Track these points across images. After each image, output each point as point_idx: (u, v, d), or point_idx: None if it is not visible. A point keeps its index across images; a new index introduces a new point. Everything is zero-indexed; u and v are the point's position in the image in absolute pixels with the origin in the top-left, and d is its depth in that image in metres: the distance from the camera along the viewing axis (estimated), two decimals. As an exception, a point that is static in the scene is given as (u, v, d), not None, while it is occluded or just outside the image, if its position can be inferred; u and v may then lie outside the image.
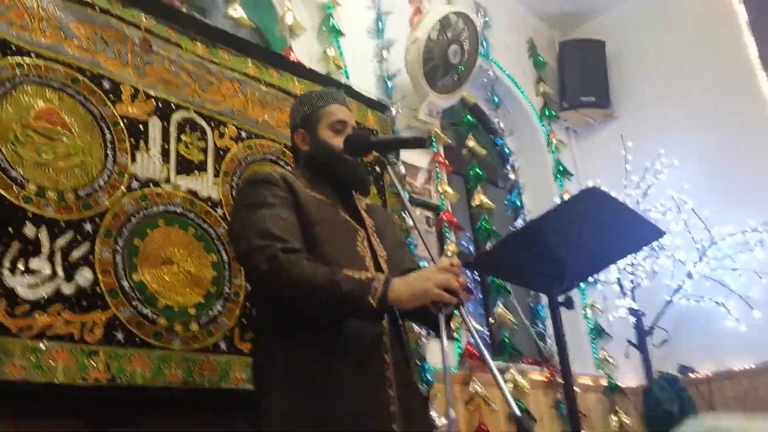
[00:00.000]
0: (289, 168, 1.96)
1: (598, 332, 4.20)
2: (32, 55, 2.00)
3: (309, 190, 1.80)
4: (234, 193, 2.38)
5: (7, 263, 1.76)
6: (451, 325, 1.78)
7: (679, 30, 4.60)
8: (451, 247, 3.45)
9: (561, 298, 1.85)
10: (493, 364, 1.52)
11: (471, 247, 4.08)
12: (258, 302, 1.86)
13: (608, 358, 4.12)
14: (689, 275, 3.99)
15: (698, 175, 4.18)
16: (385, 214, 2.11)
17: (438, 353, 3.06)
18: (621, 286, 4.05)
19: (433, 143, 3.65)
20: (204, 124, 2.45)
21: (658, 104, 4.59)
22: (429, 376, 2.89)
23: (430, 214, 3.52)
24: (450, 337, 3.08)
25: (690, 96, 4.45)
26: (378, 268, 1.76)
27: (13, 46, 1.96)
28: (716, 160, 4.22)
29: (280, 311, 1.66)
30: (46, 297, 1.82)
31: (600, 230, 1.83)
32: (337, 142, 1.86)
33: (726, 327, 3.92)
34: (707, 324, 4.00)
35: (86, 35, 2.16)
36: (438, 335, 1.57)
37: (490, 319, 3.73)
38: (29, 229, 1.84)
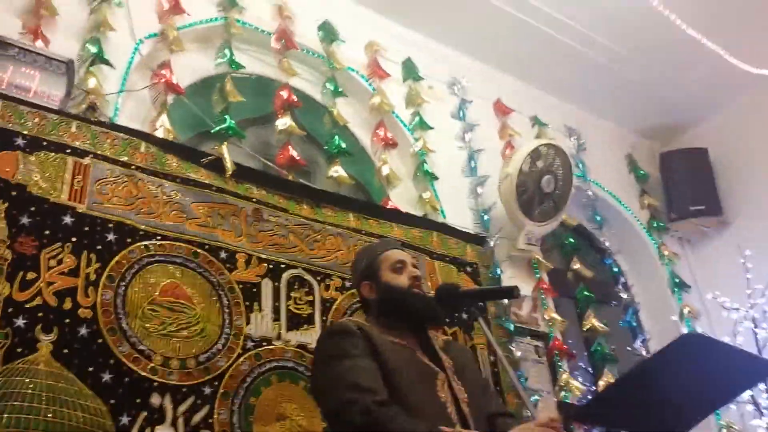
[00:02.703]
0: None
1: (740, 457, 3.85)
2: (158, 237, 2.28)
3: (385, 335, 1.84)
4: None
5: (135, 432, 1.94)
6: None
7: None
8: (564, 376, 3.36)
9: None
10: None
11: (589, 369, 3.95)
12: None
13: (754, 484, 3.74)
14: (830, 386, 3.63)
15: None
16: (464, 350, 2.11)
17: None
18: (756, 404, 3.73)
19: (536, 269, 3.67)
20: (311, 279, 2.63)
21: (772, 206, 4.38)
22: None
23: (539, 343, 3.47)
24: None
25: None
26: (460, 413, 1.74)
27: (141, 232, 2.25)
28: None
29: None
30: (171, 463, 1.97)
31: (709, 371, 1.76)
32: (401, 280, 1.93)
33: None
34: None
35: (205, 213, 2.44)
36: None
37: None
38: (155, 398, 2.03)
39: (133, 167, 2.33)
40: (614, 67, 4.29)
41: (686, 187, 4.70)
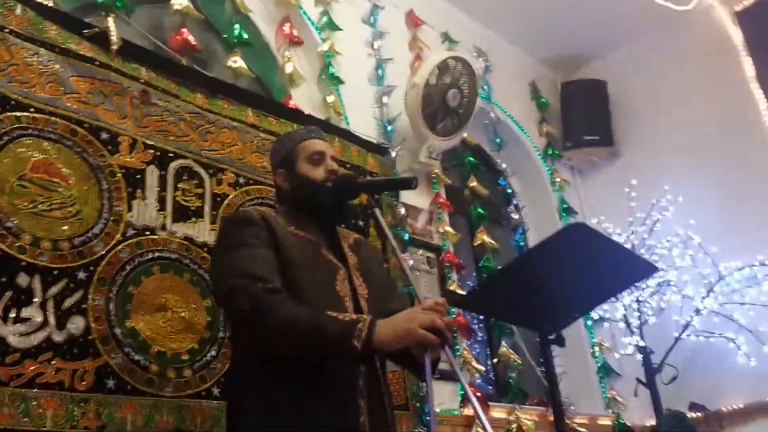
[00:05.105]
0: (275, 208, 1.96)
1: (607, 371, 4.14)
2: (31, 109, 2.07)
3: (291, 227, 1.78)
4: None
5: (-1, 312, 1.81)
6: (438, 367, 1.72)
7: (678, 68, 4.64)
8: (452, 287, 3.45)
9: (552, 336, 1.82)
10: (480, 409, 1.50)
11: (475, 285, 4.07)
12: (236, 343, 1.81)
13: (617, 397, 4.05)
14: (697, 311, 3.93)
15: (704, 210, 4.15)
16: (374, 250, 2.07)
17: (442, 395, 3.04)
18: (628, 323, 4.00)
19: (435, 184, 3.69)
20: (202, 171, 2.50)
21: (661, 141, 4.60)
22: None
23: (431, 254, 3.53)
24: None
25: (693, 132, 4.46)
26: (357, 308, 1.72)
27: (12, 101, 2.03)
28: (722, 194, 4.20)
29: (257, 353, 1.64)
30: (36, 345, 1.85)
31: (590, 266, 1.78)
32: (317, 173, 1.84)
33: (737, 363, 3.87)
34: (717, 360, 3.95)
35: (86, 89, 2.24)
36: (422, 379, 1.55)
37: (495, 359, 3.70)
38: (22, 278, 1.88)
39: (6, 30, 2.08)
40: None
41: (582, 117, 4.85)
